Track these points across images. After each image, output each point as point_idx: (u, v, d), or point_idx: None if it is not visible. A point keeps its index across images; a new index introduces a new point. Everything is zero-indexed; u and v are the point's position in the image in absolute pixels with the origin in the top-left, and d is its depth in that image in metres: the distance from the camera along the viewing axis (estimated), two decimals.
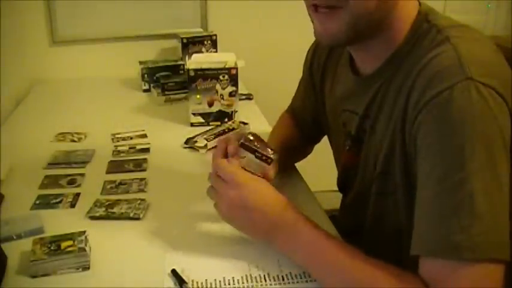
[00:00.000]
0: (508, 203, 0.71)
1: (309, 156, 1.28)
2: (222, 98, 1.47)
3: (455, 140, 0.71)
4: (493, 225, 0.69)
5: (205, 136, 1.37)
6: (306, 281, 0.82)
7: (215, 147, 1.03)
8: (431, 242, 0.71)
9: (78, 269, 0.85)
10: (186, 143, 1.37)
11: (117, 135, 1.41)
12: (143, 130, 1.45)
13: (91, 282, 0.84)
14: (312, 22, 0.87)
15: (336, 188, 1.10)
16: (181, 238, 0.95)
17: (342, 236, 0.95)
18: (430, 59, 0.78)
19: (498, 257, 0.69)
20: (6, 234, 0.94)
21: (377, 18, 0.82)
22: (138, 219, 1.01)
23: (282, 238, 0.83)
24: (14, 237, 0.94)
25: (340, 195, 1.11)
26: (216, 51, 1.93)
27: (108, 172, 1.21)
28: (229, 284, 0.82)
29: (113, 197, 1.08)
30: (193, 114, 1.49)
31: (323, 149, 1.23)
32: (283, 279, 0.82)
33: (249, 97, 1.74)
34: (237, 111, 1.49)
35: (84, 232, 0.90)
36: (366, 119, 0.92)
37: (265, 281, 0.83)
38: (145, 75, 1.83)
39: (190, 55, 1.65)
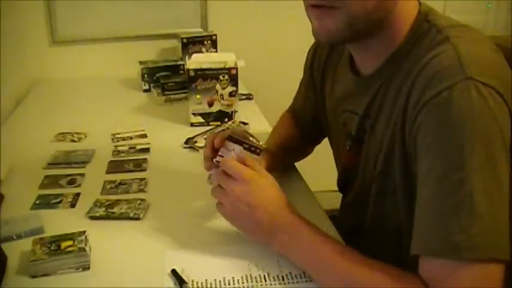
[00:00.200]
0: (507, 202, 0.71)
1: (309, 156, 1.28)
2: (222, 98, 1.47)
3: (455, 139, 0.71)
4: (492, 225, 0.69)
5: (205, 136, 1.37)
6: (306, 281, 0.82)
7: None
8: (431, 242, 0.71)
9: (78, 269, 0.85)
10: (186, 143, 1.37)
11: (117, 135, 1.41)
12: (143, 130, 1.45)
13: (91, 282, 0.84)
14: (310, 21, 0.87)
15: (336, 188, 1.10)
16: (181, 238, 0.95)
17: (342, 236, 0.95)
18: (430, 59, 0.78)
19: (498, 257, 0.69)
20: (6, 234, 0.94)
21: (376, 18, 0.82)
22: (138, 219, 1.01)
23: (282, 239, 0.84)
24: (14, 237, 0.94)
25: (340, 195, 1.11)
26: (216, 51, 1.93)
27: (108, 172, 1.21)
28: (229, 284, 0.82)
29: (113, 197, 1.08)
30: (193, 114, 1.49)
31: (323, 149, 1.23)
32: (283, 279, 0.83)
33: (249, 97, 1.74)
34: (237, 111, 1.49)
35: (84, 232, 0.90)
36: (366, 119, 0.92)
37: (265, 281, 0.83)
38: (145, 75, 1.82)
39: (190, 55, 1.65)
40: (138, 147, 1.34)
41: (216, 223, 0.95)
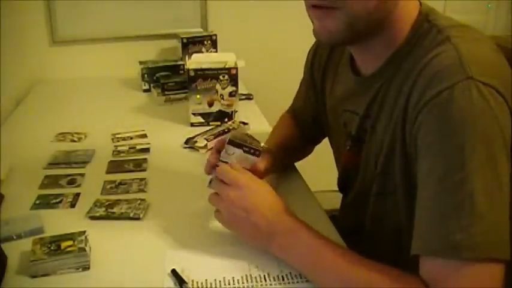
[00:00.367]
0: (508, 202, 0.71)
1: (309, 156, 1.28)
2: (222, 98, 1.47)
3: (456, 139, 0.71)
4: (493, 225, 0.69)
5: (205, 136, 1.37)
6: (306, 281, 0.82)
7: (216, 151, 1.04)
8: (432, 242, 0.71)
9: (78, 269, 0.85)
10: (186, 143, 1.37)
11: (117, 135, 1.41)
12: (143, 130, 1.45)
13: (91, 282, 0.83)
14: (312, 21, 0.87)
15: (336, 188, 1.10)
16: (181, 238, 0.95)
17: (342, 236, 0.95)
18: (430, 59, 0.78)
19: (498, 256, 0.69)
20: (6, 234, 0.94)
21: (376, 18, 0.82)
22: (138, 219, 1.01)
23: (281, 242, 0.84)
24: (14, 237, 0.94)
25: (340, 195, 1.11)
26: (216, 51, 1.93)
27: (108, 172, 1.21)
28: (229, 284, 0.82)
29: (113, 197, 1.08)
30: (193, 114, 1.49)
31: (323, 149, 1.23)
32: (283, 279, 0.82)
33: (249, 97, 1.74)
34: (237, 111, 1.49)
35: (84, 232, 0.90)
36: (366, 119, 0.92)
37: (265, 281, 0.83)
38: (145, 75, 1.82)
39: (190, 55, 1.65)
40: (138, 147, 1.34)
41: (216, 223, 0.94)
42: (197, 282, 0.82)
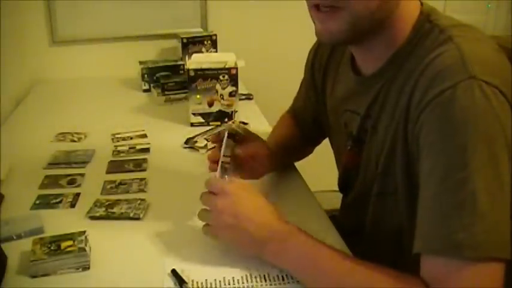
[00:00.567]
0: (509, 202, 0.71)
1: (309, 156, 1.28)
2: (222, 98, 1.47)
3: (458, 139, 0.71)
4: (494, 224, 0.69)
5: (205, 136, 1.37)
6: None
7: (214, 147, 1.04)
8: (433, 241, 0.71)
9: (78, 269, 0.85)
10: (186, 143, 1.37)
11: (117, 135, 1.41)
12: (143, 130, 1.45)
13: (91, 282, 0.83)
14: (314, 22, 0.87)
15: (336, 188, 1.10)
16: (181, 238, 0.95)
17: (342, 236, 0.95)
18: (432, 59, 0.78)
19: (499, 255, 0.69)
20: (6, 234, 0.94)
21: (378, 18, 0.82)
22: (138, 219, 1.01)
23: (273, 248, 0.82)
24: (14, 237, 0.94)
25: (340, 195, 1.11)
26: (216, 51, 1.93)
27: (108, 172, 1.21)
28: (229, 284, 0.82)
29: (113, 197, 1.08)
30: (193, 114, 1.49)
31: (323, 149, 1.23)
32: (283, 279, 0.82)
33: (249, 97, 1.74)
34: (237, 111, 1.49)
35: (84, 232, 0.90)
36: (367, 119, 0.92)
37: (265, 281, 0.82)
38: (145, 75, 1.82)
39: (190, 55, 1.65)
40: (138, 147, 1.34)
41: None
42: (197, 282, 0.82)
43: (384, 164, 0.87)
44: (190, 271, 0.84)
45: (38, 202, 1.07)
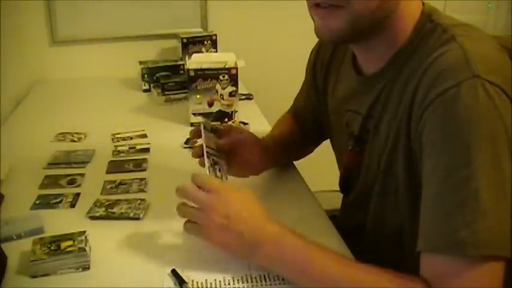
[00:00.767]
0: (510, 200, 0.71)
1: (309, 156, 1.28)
2: (222, 98, 1.47)
3: (461, 137, 0.71)
4: (496, 222, 0.69)
5: None
6: None
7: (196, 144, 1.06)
8: (435, 239, 0.71)
9: (78, 269, 0.85)
10: (186, 143, 1.36)
11: (117, 135, 1.41)
12: (143, 130, 1.45)
13: (91, 282, 0.83)
14: (313, 20, 0.87)
15: (336, 188, 1.10)
16: (181, 238, 0.94)
17: (342, 236, 0.95)
18: (435, 58, 0.78)
19: (500, 253, 0.69)
20: (6, 234, 0.94)
21: (379, 17, 0.83)
22: (138, 219, 1.01)
23: (267, 251, 0.80)
24: (14, 237, 0.94)
25: (340, 195, 1.11)
26: (216, 51, 1.93)
27: (108, 172, 1.21)
28: (229, 284, 0.82)
29: (113, 197, 1.08)
30: (193, 114, 1.49)
31: (323, 149, 1.23)
32: (283, 280, 0.82)
33: (249, 97, 1.74)
34: (237, 111, 1.49)
35: (84, 232, 0.90)
36: (369, 119, 0.92)
37: (265, 281, 0.82)
38: (145, 75, 1.82)
39: (190, 55, 1.65)
40: (138, 147, 1.34)
41: None
42: (197, 282, 0.82)
43: (386, 162, 0.87)
44: (190, 271, 0.84)
45: (38, 202, 1.07)
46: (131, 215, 1.01)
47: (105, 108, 1.69)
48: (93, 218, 1.01)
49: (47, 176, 1.18)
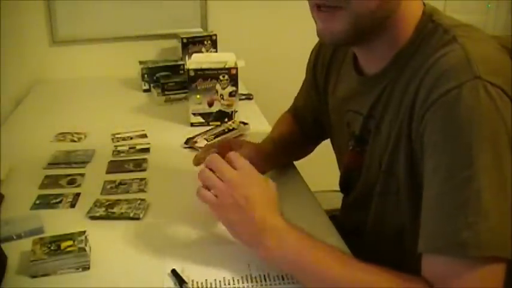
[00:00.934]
0: (511, 201, 0.71)
1: (309, 156, 1.28)
2: (222, 98, 1.47)
3: (463, 138, 0.71)
4: (498, 223, 0.69)
5: (205, 136, 1.37)
6: None
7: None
8: (437, 240, 0.71)
9: (78, 269, 0.85)
10: (186, 143, 1.36)
11: (117, 135, 1.41)
12: (143, 130, 1.45)
13: (91, 282, 0.83)
14: (315, 22, 0.87)
15: (336, 188, 1.10)
16: (181, 238, 0.95)
17: (342, 236, 0.95)
18: (437, 58, 0.78)
19: (502, 254, 0.69)
20: (6, 234, 0.94)
21: (379, 17, 0.83)
22: (138, 219, 1.01)
23: (268, 243, 0.80)
24: (14, 237, 0.94)
25: (340, 195, 1.11)
26: (216, 51, 1.93)
27: (108, 172, 1.21)
28: (229, 284, 0.82)
29: (113, 197, 1.08)
30: (193, 114, 1.49)
31: (323, 149, 1.23)
32: (283, 279, 0.82)
33: (249, 97, 1.74)
34: (237, 111, 1.49)
35: (84, 232, 0.90)
36: (370, 119, 0.92)
37: (265, 281, 0.82)
38: (145, 75, 1.82)
39: (190, 55, 1.65)
40: (138, 147, 1.34)
41: (216, 223, 0.94)
42: (197, 282, 0.82)
43: (387, 162, 0.87)
44: (190, 271, 0.84)
45: (38, 202, 1.07)
46: (131, 215, 1.01)
47: (105, 108, 1.69)
48: (93, 218, 1.01)
49: (47, 176, 1.18)
